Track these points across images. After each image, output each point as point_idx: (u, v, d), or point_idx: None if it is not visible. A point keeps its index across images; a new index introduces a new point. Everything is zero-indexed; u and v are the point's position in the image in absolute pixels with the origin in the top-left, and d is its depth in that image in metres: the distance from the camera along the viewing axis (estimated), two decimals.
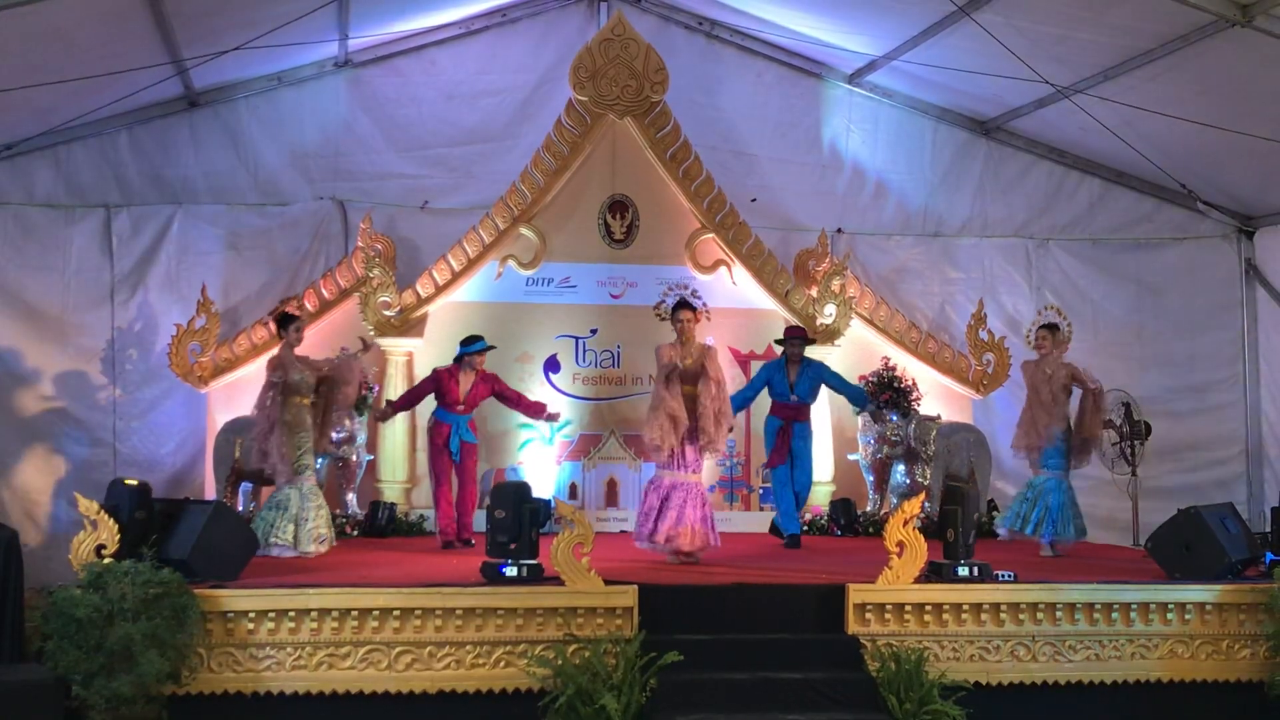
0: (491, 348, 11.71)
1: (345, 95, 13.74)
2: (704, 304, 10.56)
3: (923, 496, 9.57)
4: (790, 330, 12.24)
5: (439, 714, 8.16)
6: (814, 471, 12.79)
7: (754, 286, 13.50)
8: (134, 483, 8.98)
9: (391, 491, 12.76)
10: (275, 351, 10.97)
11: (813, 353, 12.51)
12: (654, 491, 10.18)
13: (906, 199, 14.61)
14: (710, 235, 13.45)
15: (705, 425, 10.06)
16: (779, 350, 12.16)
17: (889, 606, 8.59)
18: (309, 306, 12.78)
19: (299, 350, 10.89)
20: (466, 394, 11.43)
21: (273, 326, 11.32)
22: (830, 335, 13.36)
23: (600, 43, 13.08)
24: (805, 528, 12.82)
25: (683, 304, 10.42)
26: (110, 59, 11.03)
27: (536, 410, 11.80)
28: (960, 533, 8.91)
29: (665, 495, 10.08)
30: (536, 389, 13.16)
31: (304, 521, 10.36)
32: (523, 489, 8.89)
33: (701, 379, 10.16)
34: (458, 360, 11.55)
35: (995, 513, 12.82)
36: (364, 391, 12.41)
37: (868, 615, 8.59)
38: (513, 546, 8.56)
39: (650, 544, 10.10)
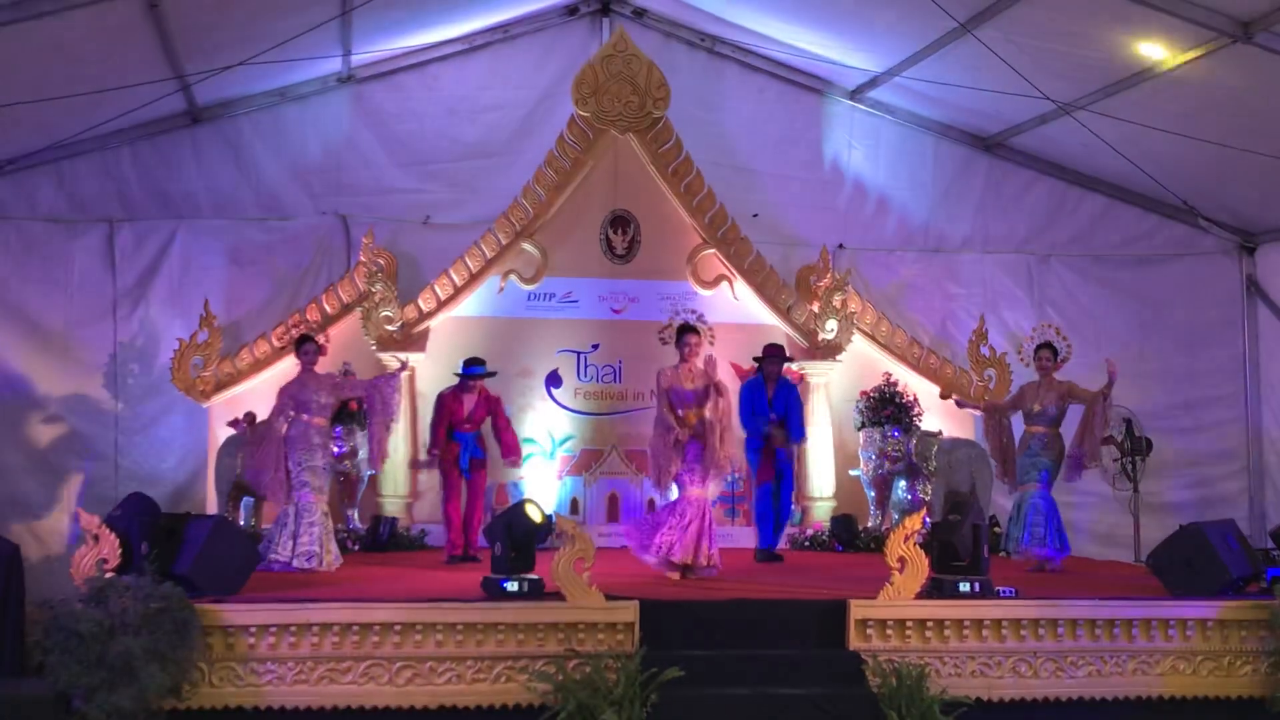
0: (491, 374, 11.73)
1: (348, 110, 13.79)
2: (709, 327, 10.55)
3: (924, 512, 9.56)
4: (768, 349, 12.18)
5: None
6: (812, 485, 12.87)
7: (756, 302, 13.52)
8: None
9: (393, 506, 12.77)
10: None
11: (815, 369, 12.56)
12: (665, 508, 10.23)
13: (908, 215, 14.64)
14: (712, 250, 13.47)
15: (711, 441, 10.09)
16: (757, 369, 12.18)
17: (890, 622, 8.59)
18: (310, 321, 12.79)
19: (287, 369, 10.97)
20: (470, 413, 11.47)
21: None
22: (832, 351, 13.38)
23: (602, 59, 13.11)
24: (806, 543, 12.86)
25: (687, 328, 10.47)
26: (113, 74, 11.07)
27: (510, 449, 11.77)
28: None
29: (678, 510, 10.09)
30: (538, 404, 13.21)
31: (296, 537, 10.39)
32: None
33: (709, 399, 10.20)
34: (459, 378, 11.59)
35: (996, 528, 12.82)
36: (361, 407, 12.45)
37: (869, 631, 8.58)
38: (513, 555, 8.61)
39: (646, 554, 10.09)
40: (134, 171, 13.24)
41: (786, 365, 12.22)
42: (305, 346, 10.99)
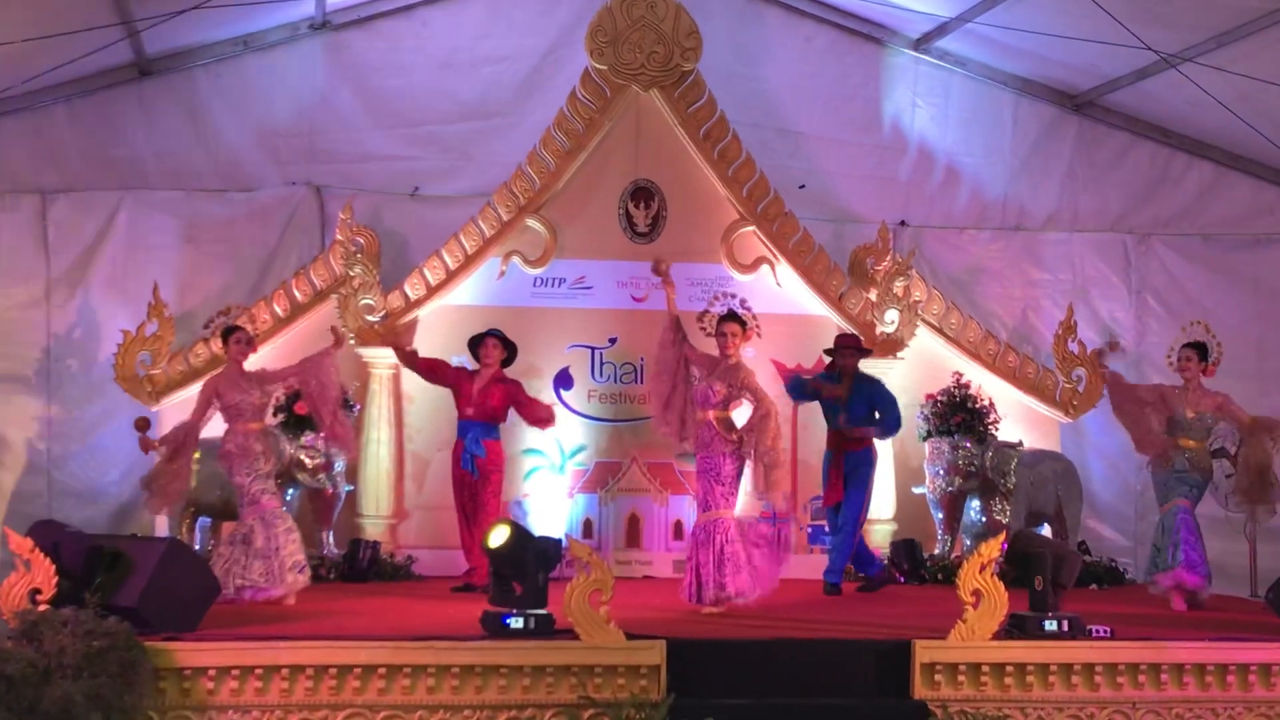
0: (501, 337, 11.97)
1: (322, 63, 13.83)
2: (754, 316, 10.70)
3: (1002, 537, 9.54)
4: (842, 338, 12.29)
5: None
6: (873, 508, 12.83)
7: (802, 288, 13.52)
8: None
9: (374, 528, 12.78)
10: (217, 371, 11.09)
11: (872, 367, 12.53)
12: (692, 541, 10.39)
13: (982, 187, 14.64)
14: (750, 228, 13.47)
15: (757, 472, 10.28)
16: (827, 361, 12.23)
17: (963, 667, 8.57)
18: (279, 310, 12.83)
19: (254, 364, 10.99)
20: (480, 394, 11.56)
21: (215, 342, 11.48)
22: (892, 346, 13.36)
23: (622, 2, 13.12)
24: (862, 574, 12.82)
25: (729, 315, 10.58)
26: (48, 19, 11.09)
27: (537, 418, 12.03)
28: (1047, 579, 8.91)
29: (701, 543, 10.22)
30: None
31: (273, 553, 10.39)
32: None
33: (733, 404, 10.41)
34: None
35: (1088, 556, 12.81)
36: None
37: (938, 677, 8.57)
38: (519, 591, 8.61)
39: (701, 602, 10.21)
40: (71, 134, 13.29)
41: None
42: (236, 335, 10.87)
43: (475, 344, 12.00)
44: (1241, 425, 11.37)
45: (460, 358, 12.30)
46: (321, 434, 11.40)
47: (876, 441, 12.20)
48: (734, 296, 10.86)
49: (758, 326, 10.79)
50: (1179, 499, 11.22)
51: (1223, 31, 11.89)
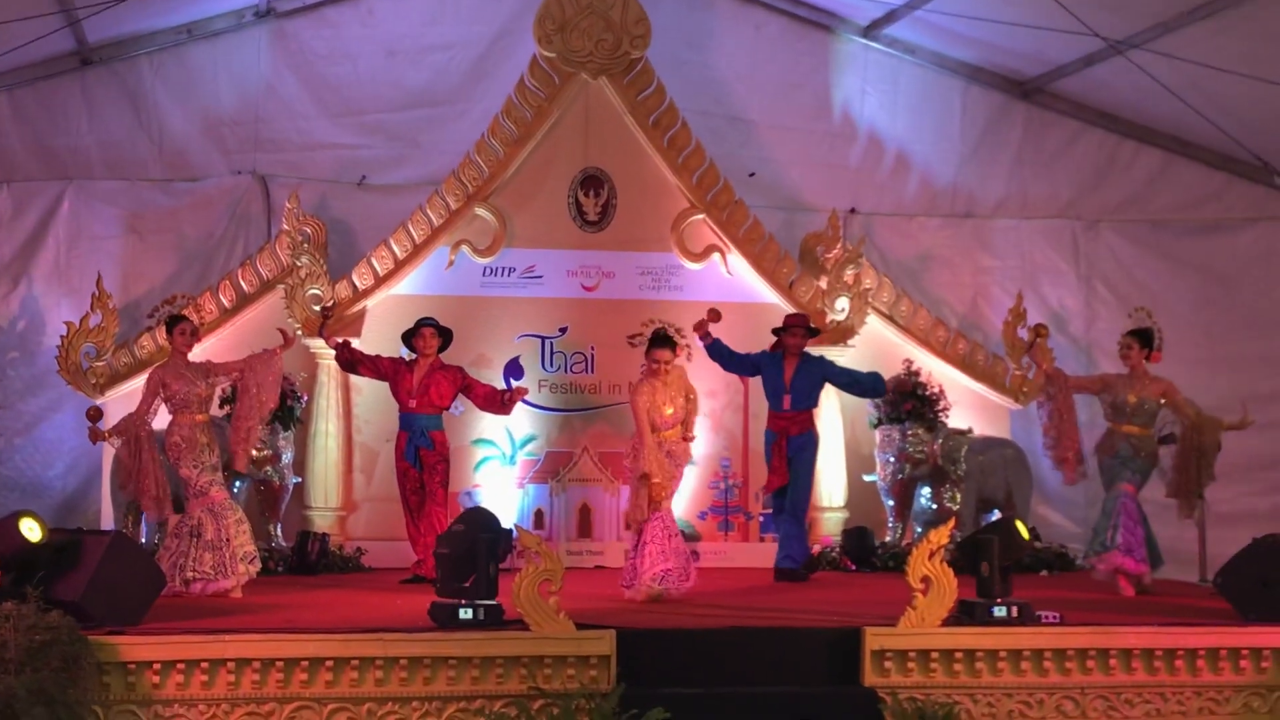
0: (435, 325, 11.82)
1: (267, 51, 13.76)
2: (685, 342, 10.80)
3: (952, 524, 9.57)
4: (791, 318, 12.37)
5: None
6: (821, 493, 12.88)
7: (752, 276, 13.55)
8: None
9: (323, 520, 12.74)
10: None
11: (823, 354, 12.57)
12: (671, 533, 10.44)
13: (932, 174, 14.70)
14: (701, 216, 13.48)
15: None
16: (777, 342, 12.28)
17: (913, 654, 8.59)
18: (225, 301, 12.77)
19: (199, 355, 10.92)
20: (420, 385, 11.54)
21: (160, 333, 11.40)
22: (842, 334, 13.41)
23: None
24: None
25: (660, 339, 10.60)
26: None
27: (491, 400, 11.87)
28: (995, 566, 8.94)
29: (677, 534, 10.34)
30: None
31: (224, 544, 10.34)
32: (482, 516, 8.96)
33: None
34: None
35: (1038, 543, 12.86)
36: (290, 403, 12.38)
37: (888, 664, 8.59)
38: (468, 584, 8.57)
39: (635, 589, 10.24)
40: (12, 124, 13.19)
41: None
42: (181, 326, 10.79)
43: (410, 336, 11.87)
44: (1184, 416, 11.45)
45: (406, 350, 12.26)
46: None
47: (819, 427, 12.37)
48: (669, 325, 10.98)
49: (689, 349, 10.94)
50: (1122, 483, 11.34)
51: (1170, 18, 11.94)
